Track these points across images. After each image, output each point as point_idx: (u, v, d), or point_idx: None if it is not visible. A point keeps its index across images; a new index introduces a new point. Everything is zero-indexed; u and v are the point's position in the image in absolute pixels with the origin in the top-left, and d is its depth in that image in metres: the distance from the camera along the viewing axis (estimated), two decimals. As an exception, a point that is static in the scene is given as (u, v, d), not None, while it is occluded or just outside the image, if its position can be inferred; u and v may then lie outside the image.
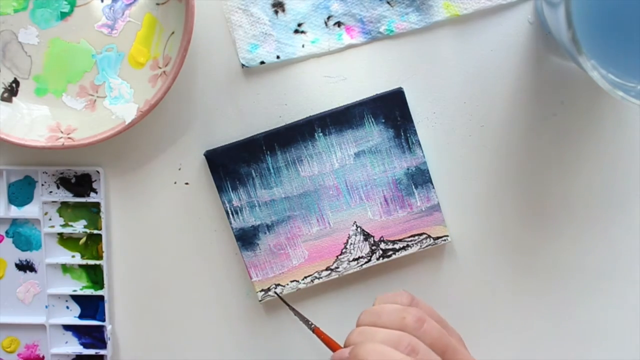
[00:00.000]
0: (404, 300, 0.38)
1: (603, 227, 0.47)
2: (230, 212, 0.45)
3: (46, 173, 0.46)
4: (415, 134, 0.45)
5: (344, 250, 0.46)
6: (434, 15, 0.44)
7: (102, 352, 0.48)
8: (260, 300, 0.46)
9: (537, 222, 0.47)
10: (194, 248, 0.47)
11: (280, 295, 0.46)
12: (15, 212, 0.47)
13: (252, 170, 0.45)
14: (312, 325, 0.43)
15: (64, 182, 0.46)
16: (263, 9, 0.44)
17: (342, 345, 0.37)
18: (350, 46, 0.45)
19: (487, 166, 0.46)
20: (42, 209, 0.47)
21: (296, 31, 0.44)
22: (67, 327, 0.48)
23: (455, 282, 0.47)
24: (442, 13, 0.44)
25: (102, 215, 0.46)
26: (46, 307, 0.47)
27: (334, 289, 0.47)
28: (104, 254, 0.47)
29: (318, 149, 0.45)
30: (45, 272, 0.47)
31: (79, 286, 0.48)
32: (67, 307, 0.48)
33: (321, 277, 0.46)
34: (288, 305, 0.45)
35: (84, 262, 0.47)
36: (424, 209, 0.45)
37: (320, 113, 0.45)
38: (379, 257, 0.46)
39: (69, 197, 0.46)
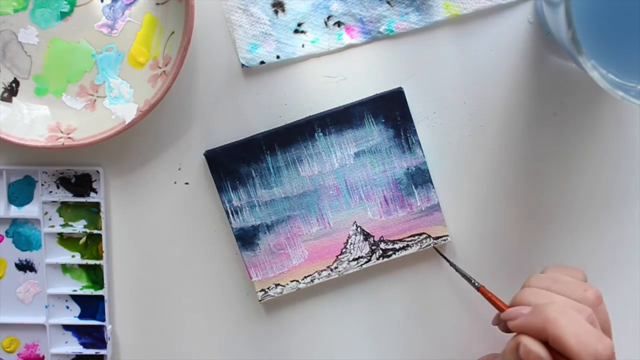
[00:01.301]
0: (579, 276, 0.38)
1: (603, 226, 0.47)
2: (230, 212, 0.45)
3: (46, 173, 0.46)
4: (415, 134, 0.45)
5: (344, 250, 0.46)
6: (434, 15, 0.44)
7: (102, 352, 0.48)
8: (260, 300, 0.46)
9: (537, 221, 0.47)
10: (194, 248, 0.47)
11: (437, 249, 0.46)
12: (15, 212, 0.47)
13: (252, 170, 0.45)
14: (477, 284, 0.42)
15: (63, 182, 0.46)
16: (263, 8, 0.44)
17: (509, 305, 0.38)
18: (350, 46, 0.45)
19: (487, 166, 0.46)
20: (42, 209, 0.47)
21: (296, 31, 0.44)
22: (67, 327, 0.48)
23: (455, 282, 0.47)
24: (442, 13, 0.44)
25: (102, 215, 0.46)
26: (46, 307, 0.47)
27: (334, 289, 0.47)
28: (104, 254, 0.47)
29: (318, 149, 0.45)
30: (45, 272, 0.47)
31: (79, 286, 0.48)
32: (67, 307, 0.48)
33: (321, 277, 0.46)
34: (447, 260, 0.45)
35: (84, 262, 0.47)
36: (424, 209, 0.45)
37: (320, 113, 0.45)
38: (379, 257, 0.46)
39: (69, 197, 0.46)
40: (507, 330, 0.38)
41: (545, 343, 0.34)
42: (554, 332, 0.33)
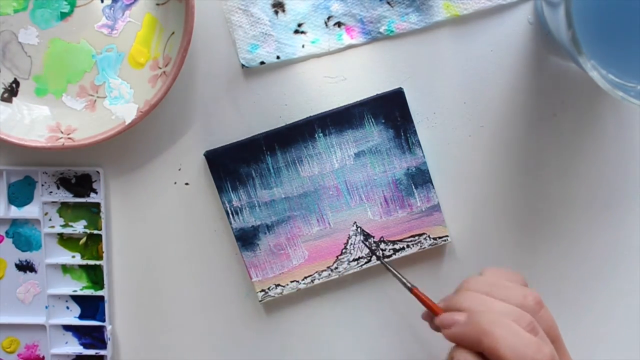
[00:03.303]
0: (519, 280, 0.37)
1: (603, 226, 0.47)
2: (230, 212, 0.45)
3: (46, 173, 0.46)
4: (415, 134, 0.45)
5: (344, 251, 0.46)
6: (434, 16, 0.44)
7: (102, 352, 0.48)
8: (260, 301, 0.46)
9: (537, 222, 0.47)
10: (194, 248, 0.47)
11: (371, 248, 0.45)
12: (15, 212, 0.47)
13: (252, 170, 0.45)
14: (410, 285, 0.40)
15: (64, 182, 0.46)
16: (263, 9, 0.44)
17: (440, 306, 0.36)
18: (350, 46, 0.45)
19: (487, 166, 0.46)
20: (42, 209, 0.47)
21: (296, 31, 0.44)
22: (67, 328, 0.48)
23: (455, 282, 0.47)
24: (442, 13, 0.44)
25: (102, 215, 0.46)
26: (46, 307, 0.47)
27: (334, 289, 0.47)
28: (104, 254, 0.47)
29: (318, 149, 0.45)
30: (45, 273, 0.47)
31: (79, 286, 0.48)
32: (67, 308, 0.48)
33: (321, 278, 0.46)
34: (381, 260, 0.44)
35: (84, 262, 0.47)
36: (424, 209, 0.45)
37: (320, 113, 0.45)
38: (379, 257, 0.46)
39: (69, 198, 0.46)
40: (436, 329, 0.37)
41: (482, 353, 0.32)
42: (489, 344, 0.31)
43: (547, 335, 0.34)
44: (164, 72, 0.43)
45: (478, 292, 0.35)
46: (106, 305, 0.47)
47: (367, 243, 0.45)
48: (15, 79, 0.45)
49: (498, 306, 0.33)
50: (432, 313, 0.38)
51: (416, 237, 0.46)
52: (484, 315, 0.33)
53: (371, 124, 0.45)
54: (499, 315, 0.33)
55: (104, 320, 0.47)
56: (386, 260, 0.46)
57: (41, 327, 0.48)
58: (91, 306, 0.48)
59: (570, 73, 0.45)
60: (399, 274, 0.42)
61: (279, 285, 0.46)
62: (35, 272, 0.48)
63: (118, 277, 0.48)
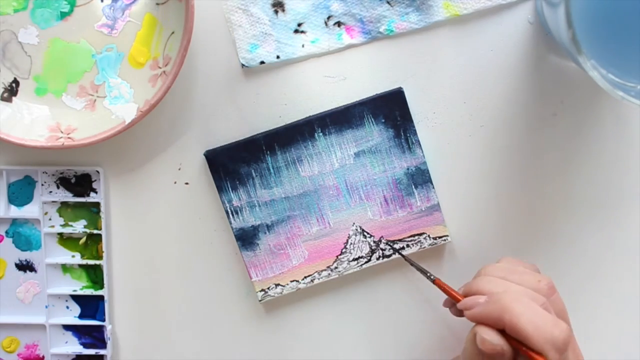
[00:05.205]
0: (533, 268, 0.40)
1: (602, 226, 0.47)
2: (230, 212, 0.45)
3: (46, 173, 0.46)
4: (415, 134, 0.45)
5: (343, 250, 0.46)
6: (434, 15, 0.44)
7: (102, 352, 0.48)
8: (260, 300, 0.46)
9: (537, 221, 0.47)
10: (194, 248, 0.47)
11: (392, 246, 0.45)
12: (15, 212, 0.47)
13: (252, 170, 0.45)
14: (432, 277, 0.42)
15: (63, 182, 0.46)
16: (263, 8, 0.44)
17: (463, 294, 0.39)
18: (350, 46, 0.45)
19: (487, 166, 0.46)
20: (42, 209, 0.47)
21: (296, 31, 0.44)
22: (67, 327, 0.48)
23: (455, 282, 0.47)
24: (442, 13, 0.44)
25: (102, 215, 0.46)
26: (46, 307, 0.47)
27: (334, 289, 0.47)
28: (104, 254, 0.47)
29: (318, 149, 0.45)
30: (45, 272, 0.47)
31: (79, 286, 0.48)
32: (67, 307, 0.48)
33: (321, 277, 0.46)
34: (401, 254, 0.45)
35: (84, 262, 0.47)
36: (424, 209, 0.45)
37: (320, 113, 0.45)
38: (379, 257, 0.46)
39: (68, 197, 0.46)
40: (458, 314, 0.39)
41: (503, 331, 0.34)
42: (510, 320, 0.33)
43: (558, 317, 0.35)
44: (164, 71, 0.43)
45: (495, 276, 0.38)
46: (106, 304, 0.47)
47: (390, 243, 0.45)
48: (15, 78, 0.45)
49: (515, 288, 0.36)
50: (454, 300, 0.40)
51: (416, 237, 0.46)
52: (503, 295, 0.35)
53: (371, 123, 0.45)
54: (517, 294, 0.35)
55: (103, 320, 0.47)
56: (388, 259, 0.46)
57: (41, 327, 0.48)
58: (91, 306, 0.48)
59: (570, 73, 0.45)
60: (422, 267, 0.44)
61: (279, 285, 0.46)
62: (35, 271, 0.48)
63: (118, 276, 0.48)
